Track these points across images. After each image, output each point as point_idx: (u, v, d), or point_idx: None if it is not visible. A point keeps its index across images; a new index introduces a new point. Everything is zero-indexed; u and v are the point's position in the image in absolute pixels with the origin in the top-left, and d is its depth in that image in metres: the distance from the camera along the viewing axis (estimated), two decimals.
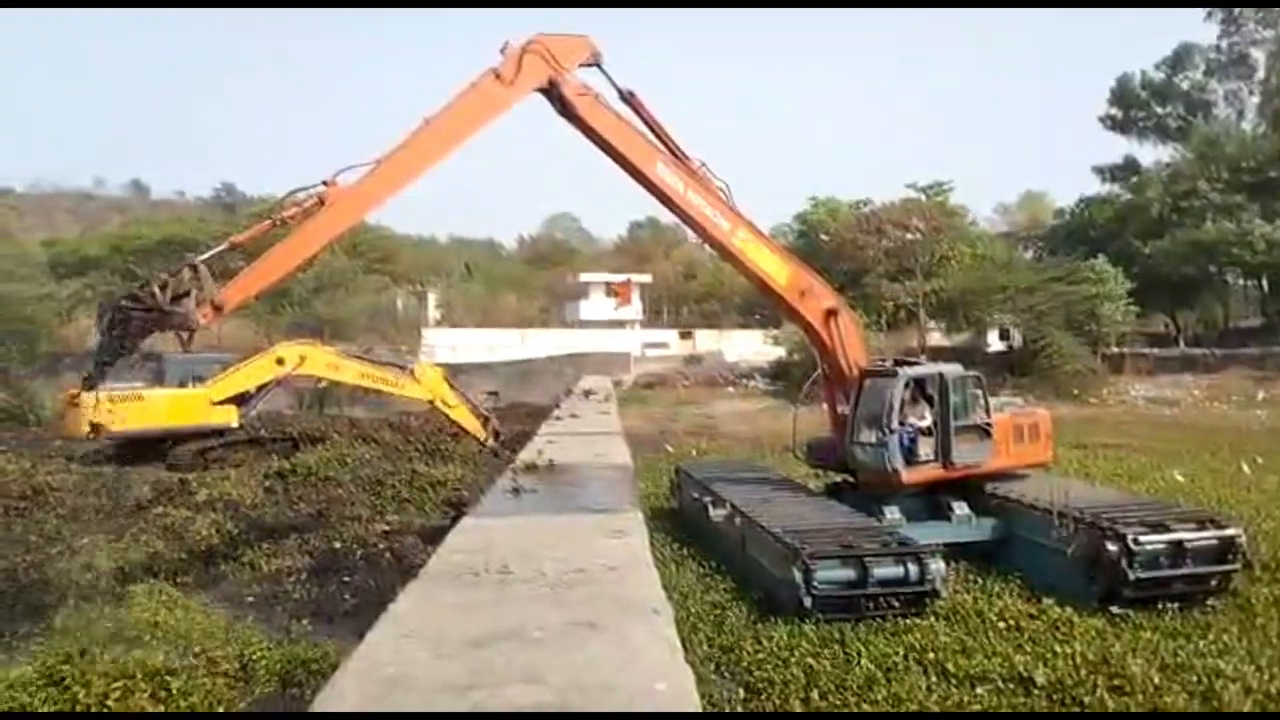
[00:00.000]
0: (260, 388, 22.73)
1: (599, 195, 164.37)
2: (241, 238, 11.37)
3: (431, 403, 20.86)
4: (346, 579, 13.83)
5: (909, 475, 13.69)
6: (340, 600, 12.94)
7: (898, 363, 14.88)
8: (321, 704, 3.52)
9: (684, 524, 16.40)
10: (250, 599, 13.00)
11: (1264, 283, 60.30)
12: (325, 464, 21.64)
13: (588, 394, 25.55)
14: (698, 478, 16.55)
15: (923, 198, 63.61)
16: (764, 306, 72.55)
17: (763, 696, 8.75)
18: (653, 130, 12.95)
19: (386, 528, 16.61)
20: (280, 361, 21.90)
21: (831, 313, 14.21)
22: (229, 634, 10.53)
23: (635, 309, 70.21)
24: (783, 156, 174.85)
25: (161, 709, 8.34)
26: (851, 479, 15.22)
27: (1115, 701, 8.49)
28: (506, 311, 70.70)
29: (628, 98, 12.76)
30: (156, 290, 9.84)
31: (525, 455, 11.26)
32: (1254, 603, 11.57)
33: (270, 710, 8.78)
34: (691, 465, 19.45)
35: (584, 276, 72.98)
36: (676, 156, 13.08)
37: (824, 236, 62.37)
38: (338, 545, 15.39)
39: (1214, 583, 11.66)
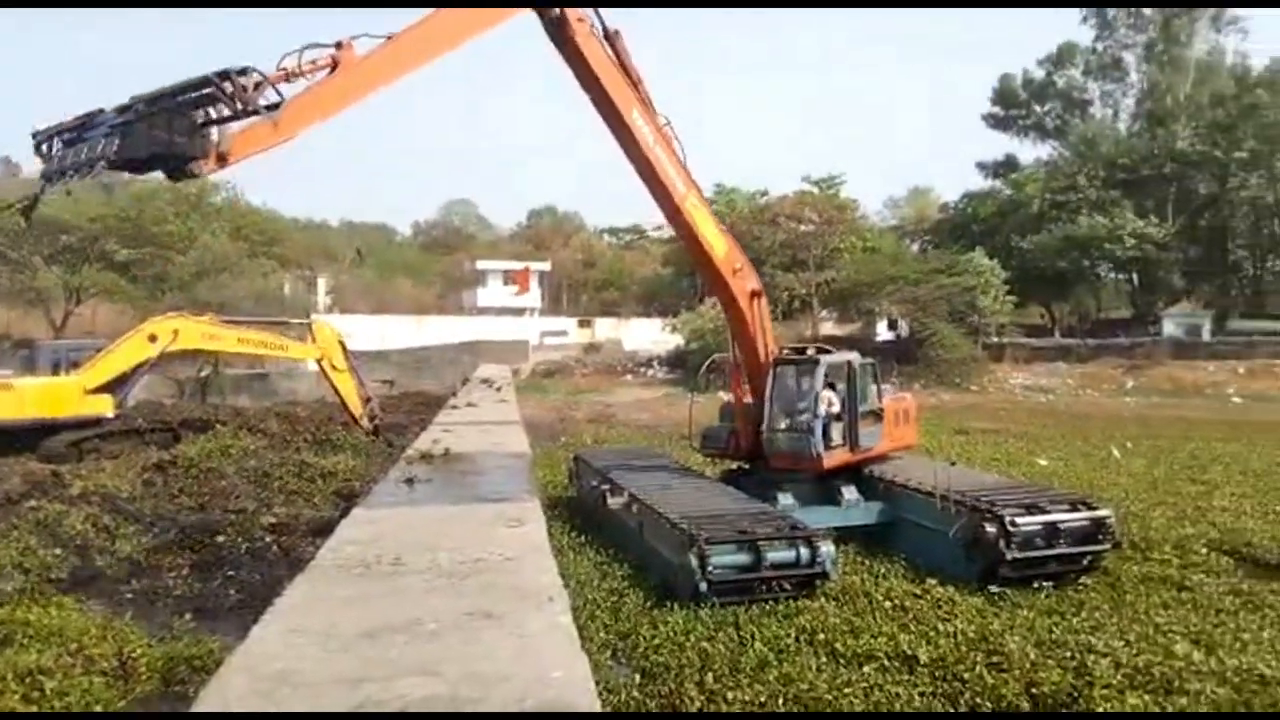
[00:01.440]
0: (135, 369, 21.75)
1: (498, 182, 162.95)
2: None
3: (319, 362, 20.26)
4: (231, 574, 13.38)
5: (828, 460, 14.10)
6: (224, 596, 12.51)
7: (816, 350, 15.26)
8: (204, 701, 3.42)
9: (582, 512, 16.42)
10: (129, 595, 12.45)
11: (1134, 276, 63.72)
12: (208, 455, 20.84)
13: (485, 382, 25.35)
14: (596, 465, 16.57)
15: (816, 190, 65.05)
16: (663, 295, 73.47)
17: (658, 680, 8.84)
18: (628, 76, 12.76)
19: (273, 520, 16.13)
20: (153, 338, 20.95)
21: (756, 294, 14.46)
22: (106, 631, 10.06)
23: (534, 297, 69.88)
24: (689, 144, 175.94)
25: (34, 709, 7.94)
26: (746, 465, 15.49)
27: (993, 677, 8.87)
28: (401, 298, 69.43)
29: (612, 38, 12.46)
30: (244, 81, 8.18)
31: (420, 444, 11.10)
32: (1123, 580, 12.25)
33: (151, 711, 8.46)
34: (590, 453, 19.47)
35: (482, 264, 72.24)
36: (647, 108, 12.97)
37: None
38: (221, 539, 14.87)
39: (1086, 561, 12.30)
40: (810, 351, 15.11)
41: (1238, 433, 31.20)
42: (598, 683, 7.70)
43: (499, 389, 22.49)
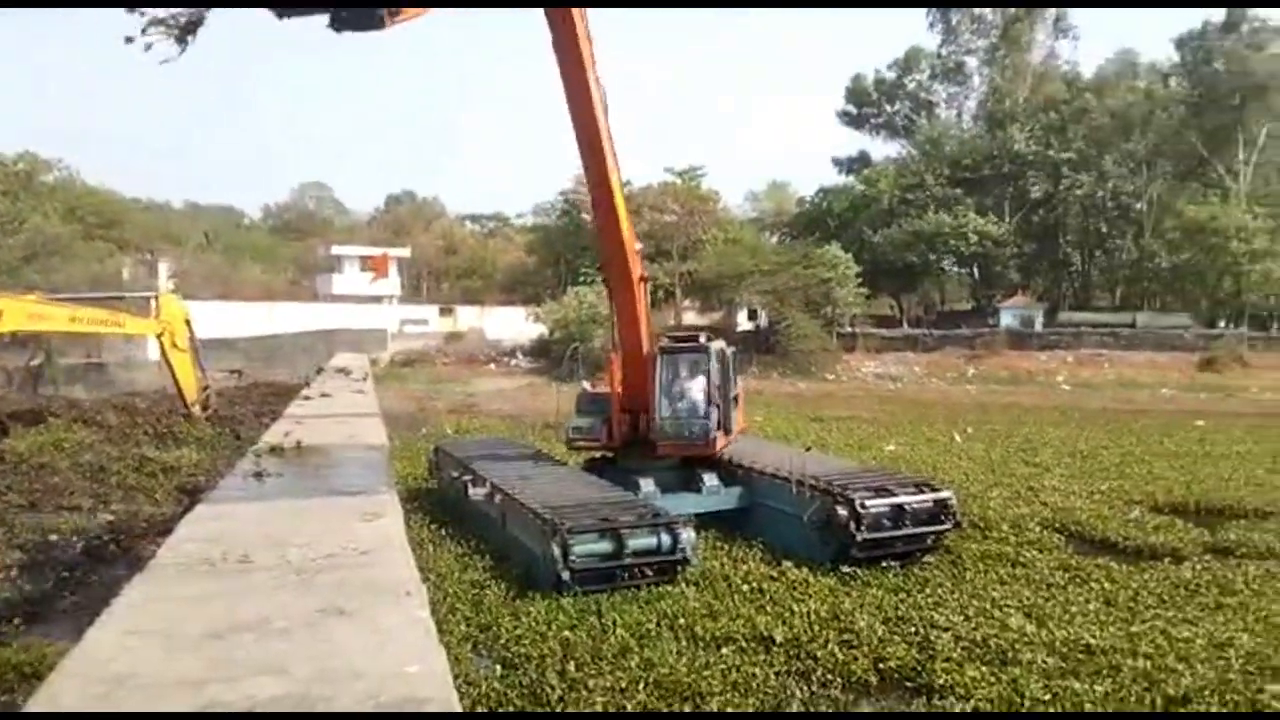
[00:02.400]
0: None
1: (354, 164, 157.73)
2: None
3: (159, 338, 19.15)
4: (65, 575, 12.59)
5: (718, 444, 14.43)
6: (58, 599, 11.77)
7: (706, 337, 15.44)
8: (35, 707, 3.21)
9: (443, 504, 16.18)
10: None
11: (975, 270, 67.27)
12: (39, 449, 19.50)
13: (341, 372, 24.58)
14: (457, 456, 16.35)
15: (679, 182, 65.84)
16: (527, 284, 72.96)
17: (519, 671, 8.82)
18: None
19: (111, 518, 15.25)
20: None
21: (643, 279, 14.57)
22: None
23: (393, 284, 68.12)
24: (553, 134, 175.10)
25: None
26: (610, 455, 15.55)
27: (844, 654, 9.24)
28: (250, 284, 66.49)
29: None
30: None
31: (270, 437, 10.68)
32: (964, 558, 12.96)
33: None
34: (451, 444, 19.19)
35: (337, 249, 69.94)
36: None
37: (585, 216, 63.09)
38: (54, 538, 13.97)
39: (930, 541, 12.95)
40: (702, 339, 15.31)
41: (1066, 418, 33.42)
42: (457, 676, 7.62)
43: (356, 379, 21.85)
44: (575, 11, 11.60)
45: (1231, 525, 15.29)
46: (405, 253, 71.07)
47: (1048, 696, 8.12)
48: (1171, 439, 26.92)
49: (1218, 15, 60.27)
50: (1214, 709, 7.89)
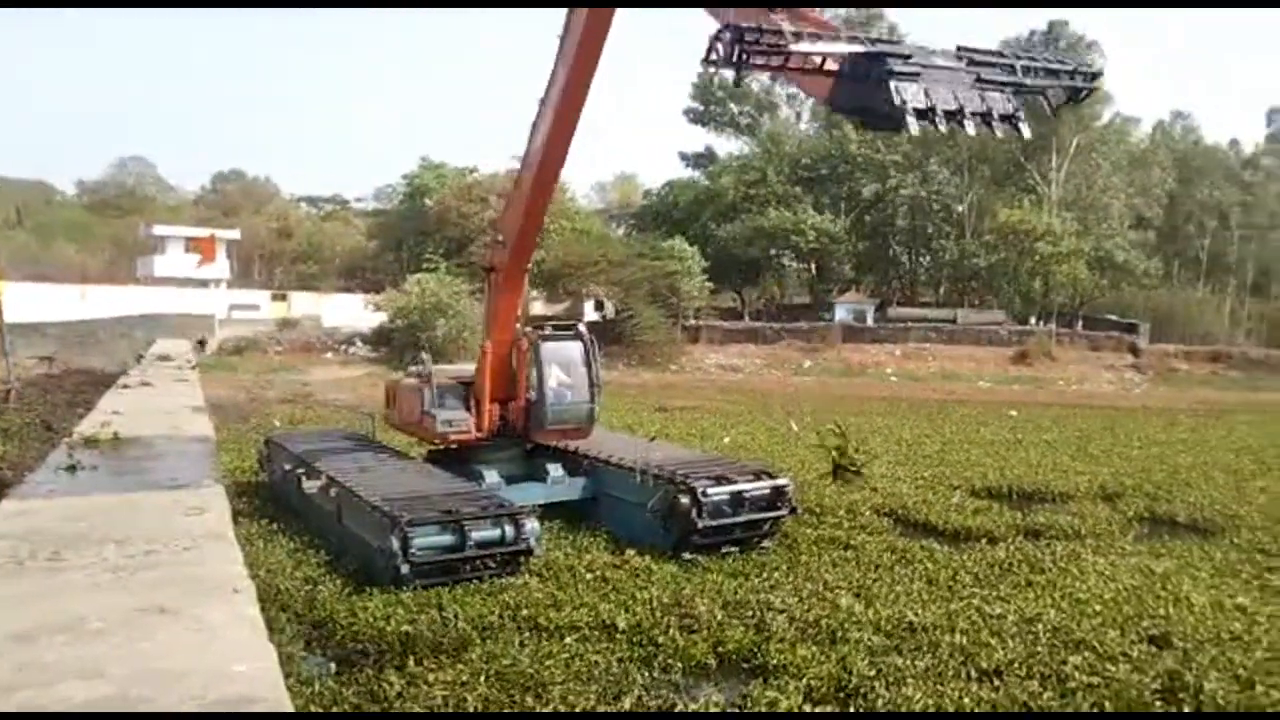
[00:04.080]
0: None
1: (178, 139, 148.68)
2: None
3: None
4: None
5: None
6: None
7: (582, 326, 15.40)
8: None
9: (275, 498, 15.56)
10: None
11: (813, 266, 69.84)
12: None
13: (164, 360, 23.28)
14: (290, 448, 15.74)
15: None
16: (367, 270, 70.77)
17: (356, 668, 8.59)
18: None
19: None
20: None
21: (525, 270, 14.68)
22: None
23: (221, 267, 64.72)
24: (398, 116, 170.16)
25: None
26: (454, 446, 15.21)
27: (684, 639, 9.45)
28: (64, 264, 61.89)
29: None
30: None
31: (85, 428, 10.03)
32: (799, 543, 13.46)
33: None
34: (284, 435, 18.46)
35: (160, 229, 65.70)
36: None
37: (429, 201, 61.88)
38: None
39: (767, 527, 13.37)
40: (581, 327, 15.29)
41: (894, 408, 35.22)
42: (289, 675, 7.36)
43: (180, 367, 20.74)
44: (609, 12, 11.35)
45: (1040, 508, 16.49)
46: (235, 234, 67.50)
47: (873, 672, 8.54)
48: (988, 428, 28.81)
49: (1042, 24, 64.85)
50: (1024, 681, 8.47)
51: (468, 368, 15.98)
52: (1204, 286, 73.26)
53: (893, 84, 7.62)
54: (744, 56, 7.79)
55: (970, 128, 8.01)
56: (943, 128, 7.96)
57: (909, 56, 7.96)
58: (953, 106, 7.90)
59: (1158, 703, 8.10)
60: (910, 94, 7.68)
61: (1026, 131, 8.36)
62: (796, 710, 7.84)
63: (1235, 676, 8.58)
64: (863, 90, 7.95)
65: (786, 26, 8.10)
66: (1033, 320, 60.77)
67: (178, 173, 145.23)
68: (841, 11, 67.63)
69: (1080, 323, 61.21)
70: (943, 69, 8.08)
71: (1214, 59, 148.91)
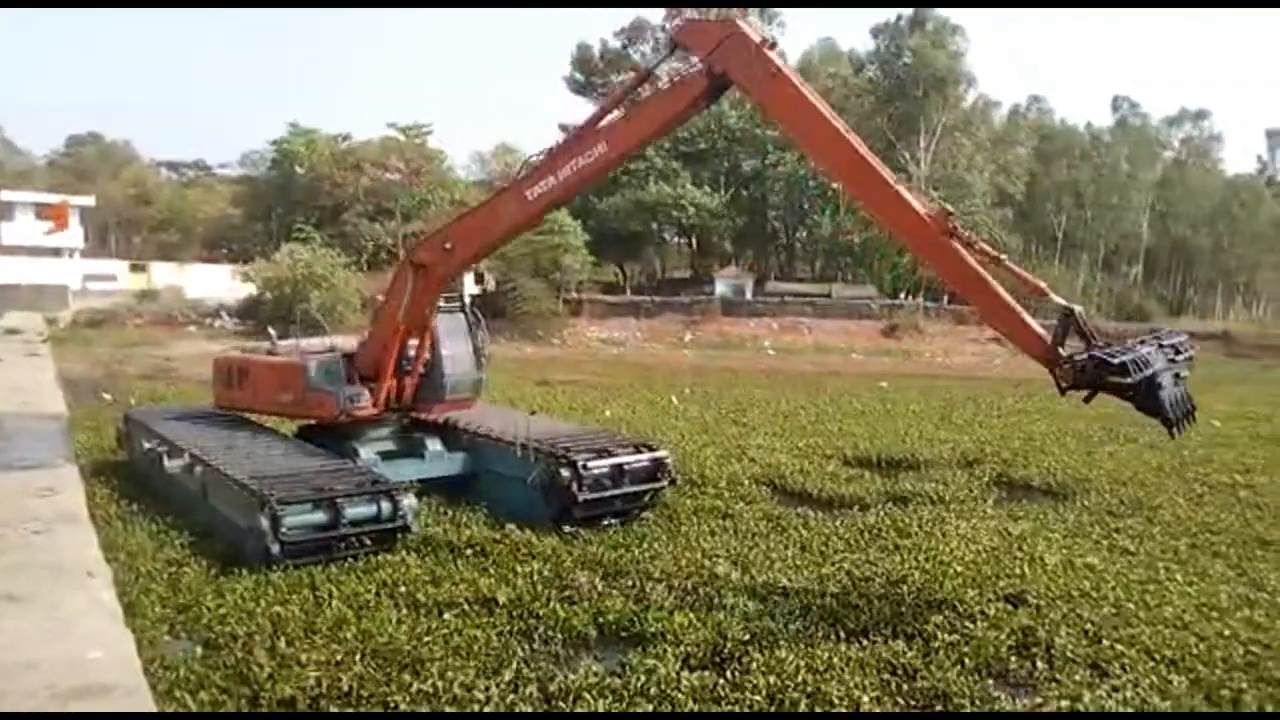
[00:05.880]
0: None
1: (27, 99, 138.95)
2: None
3: None
4: None
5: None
6: None
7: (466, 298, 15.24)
8: None
9: (134, 477, 14.83)
10: None
11: (693, 240, 70.65)
12: None
13: (11, 333, 21.90)
14: (151, 425, 15.03)
15: (403, 138, 63.80)
16: (233, 239, 67.95)
17: (224, 651, 8.31)
18: None
19: None
20: None
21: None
22: None
23: (75, 235, 61.02)
24: (266, 79, 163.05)
25: None
26: (325, 422, 14.78)
27: (565, 611, 9.49)
28: None
29: None
30: None
31: None
32: (679, 513, 13.66)
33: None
34: (144, 412, 17.60)
35: (7, 194, 61.38)
36: None
37: (299, 169, 59.75)
38: None
39: (648, 498, 13.51)
40: (467, 299, 15.16)
41: (771, 380, 36.07)
42: (152, 660, 7.08)
43: (30, 340, 19.52)
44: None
45: (907, 476, 17.15)
46: (89, 201, 63.62)
47: (747, 637, 8.77)
48: (859, 399, 29.78)
49: (909, 10, 66.79)
50: (890, 641, 8.83)
51: (316, 341, 15.56)
52: (1059, 263, 77.30)
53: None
54: None
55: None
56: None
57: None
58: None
59: (1013, 658, 8.58)
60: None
61: None
62: (674, 675, 7.97)
63: (1084, 631, 9.14)
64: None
65: None
66: (902, 295, 63.00)
67: (26, 134, 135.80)
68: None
69: (947, 298, 63.84)
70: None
71: (1068, 48, 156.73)
